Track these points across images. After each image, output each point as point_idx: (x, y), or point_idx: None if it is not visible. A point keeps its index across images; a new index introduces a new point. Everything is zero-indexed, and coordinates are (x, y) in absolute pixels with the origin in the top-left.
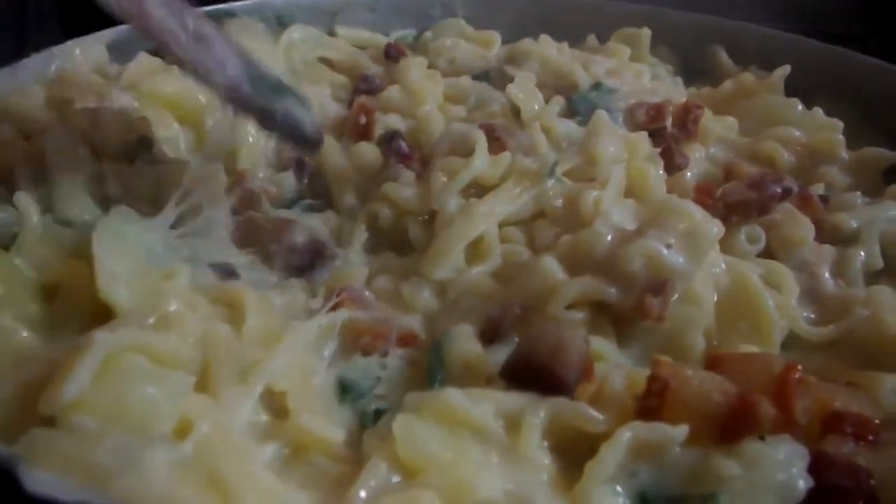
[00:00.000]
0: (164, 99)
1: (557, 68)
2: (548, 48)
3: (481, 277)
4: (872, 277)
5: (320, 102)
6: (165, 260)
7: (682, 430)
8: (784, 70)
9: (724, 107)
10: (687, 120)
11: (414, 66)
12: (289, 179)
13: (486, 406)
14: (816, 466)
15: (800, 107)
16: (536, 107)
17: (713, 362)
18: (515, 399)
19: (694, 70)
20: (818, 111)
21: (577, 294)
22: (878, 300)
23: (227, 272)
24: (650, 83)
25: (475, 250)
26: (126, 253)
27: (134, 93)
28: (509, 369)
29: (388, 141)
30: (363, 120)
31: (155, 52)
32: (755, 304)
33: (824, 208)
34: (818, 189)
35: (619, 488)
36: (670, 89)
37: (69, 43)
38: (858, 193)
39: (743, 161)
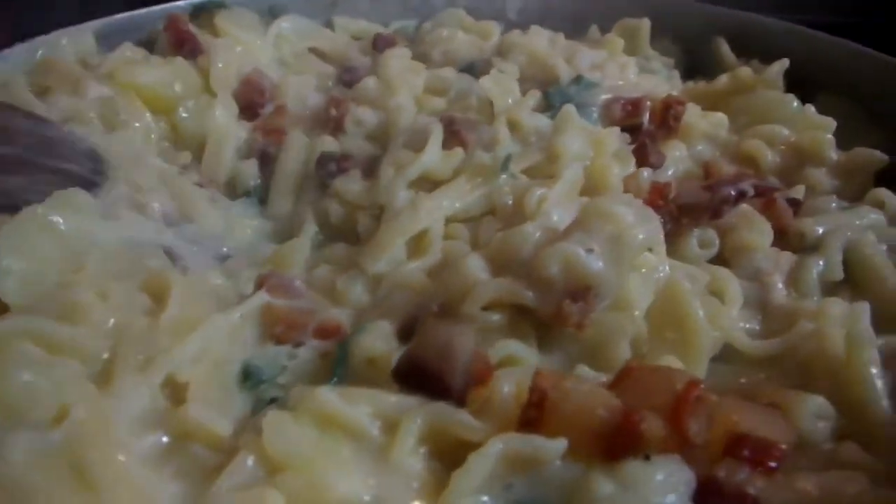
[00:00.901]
0: (139, 89)
1: (542, 61)
2: (536, 40)
3: (415, 273)
4: (832, 289)
5: (301, 93)
6: (104, 241)
7: (558, 444)
8: (782, 64)
9: (719, 102)
10: (668, 116)
11: (394, 58)
12: (252, 168)
13: (362, 407)
14: (702, 492)
15: (795, 103)
16: (510, 101)
17: (621, 374)
18: (396, 402)
19: (698, 63)
20: (810, 108)
21: (491, 296)
22: (826, 314)
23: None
24: (636, 77)
25: (417, 245)
26: (42, 243)
27: (110, 82)
28: (399, 371)
29: (324, 163)
30: (333, 112)
31: (139, 44)
32: (683, 313)
33: (793, 213)
34: (798, 192)
35: (486, 499)
36: (659, 83)
37: (57, 32)
38: (833, 198)
39: (724, 160)
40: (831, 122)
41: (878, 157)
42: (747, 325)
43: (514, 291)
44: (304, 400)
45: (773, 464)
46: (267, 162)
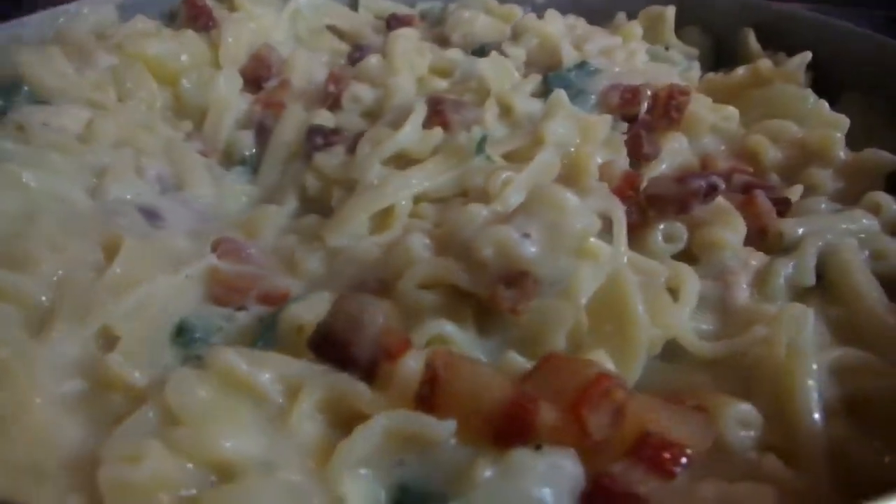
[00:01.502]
0: (146, 59)
1: (549, 45)
2: (550, 24)
3: (370, 248)
4: (803, 295)
5: (308, 70)
6: (75, 200)
7: (447, 425)
8: (803, 58)
9: (736, 95)
10: (669, 107)
11: (401, 38)
12: (248, 138)
13: (266, 371)
14: (592, 489)
15: (811, 99)
16: (509, 84)
17: (540, 363)
18: (300, 368)
19: (727, 55)
20: (824, 105)
21: (425, 274)
22: (782, 320)
23: (153, 215)
24: (644, 65)
25: (382, 222)
26: (9, 198)
27: (118, 53)
28: (312, 340)
29: (312, 137)
30: (332, 88)
31: (161, 16)
32: (623, 306)
33: (779, 212)
34: (795, 191)
35: (366, 472)
36: (670, 73)
37: (80, 2)
38: (824, 199)
39: (725, 154)
40: (844, 121)
41: (888, 159)
42: (703, 326)
43: (449, 271)
44: (212, 359)
45: (675, 467)
46: (263, 133)
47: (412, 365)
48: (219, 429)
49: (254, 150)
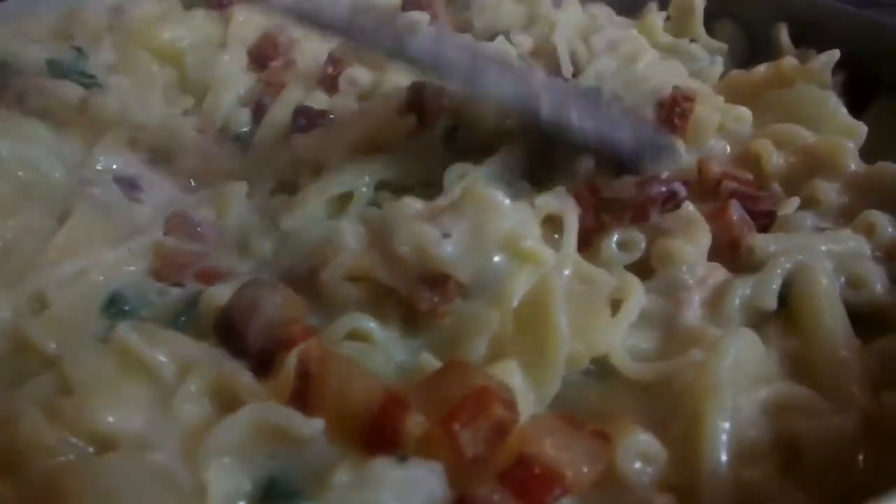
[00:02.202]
0: (152, 43)
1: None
2: (565, 13)
3: (312, 233)
4: (762, 319)
5: (316, 52)
6: (47, 170)
7: (314, 424)
8: (830, 56)
9: (757, 94)
10: (673, 114)
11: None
12: (244, 116)
13: (162, 350)
14: None
15: (832, 101)
16: None
17: (440, 370)
18: (195, 350)
19: (761, 49)
20: (841, 109)
21: (349, 266)
22: (719, 346)
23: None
24: (651, 64)
25: (342, 207)
26: None
27: (125, 34)
28: (216, 325)
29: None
30: (330, 70)
31: None
32: (544, 316)
33: (758, 226)
34: (790, 205)
35: (231, 461)
36: (678, 72)
37: None
38: (811, 214)
39: (725, 159)
40: (860, 129)
41: None
42: (643, 345)
43: (373, 266)
44: (114, 333)
45: (546, 497)
46: (260, 112)
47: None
48: (105, 402)
49: (248, 128)
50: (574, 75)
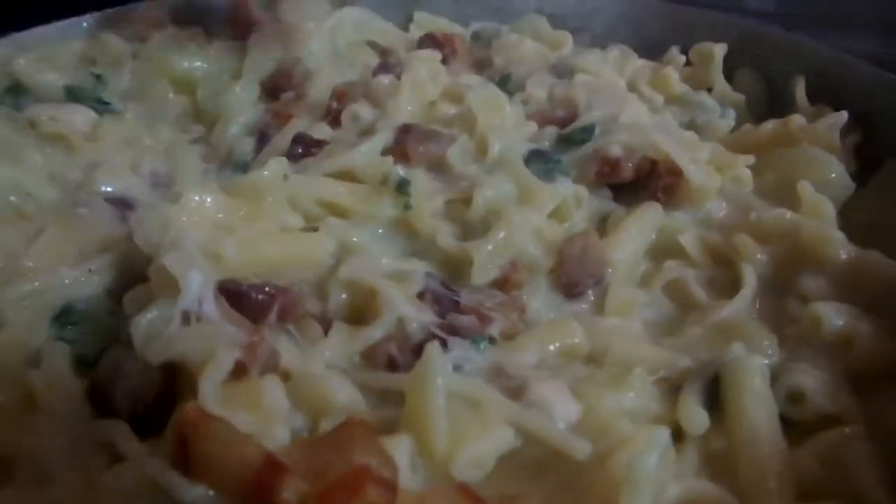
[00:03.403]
0: (169, 72)
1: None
2: (586, 59)
3: None
4: None
5: (330, 84)
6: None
7: (194, 492)
8: (837, 118)
9: (762, 152)
10: (656, 186)
11: (416, 60)
12: (248, 145)
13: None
14: None
15: (835, 168)
16: (498, 120)
17: (334, 430)
18: None
19: (782, 102)
20: (838, 169)
21: None
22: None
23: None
24: (651, 120)
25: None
26: None
27: (145, 63)
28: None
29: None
30: (334, 105)
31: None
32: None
33: None
34: None
35: None
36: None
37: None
38: None
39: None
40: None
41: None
42: None
43: None
44: None
45: None
46: (264, 141)
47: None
48: None
49: (251, 157)
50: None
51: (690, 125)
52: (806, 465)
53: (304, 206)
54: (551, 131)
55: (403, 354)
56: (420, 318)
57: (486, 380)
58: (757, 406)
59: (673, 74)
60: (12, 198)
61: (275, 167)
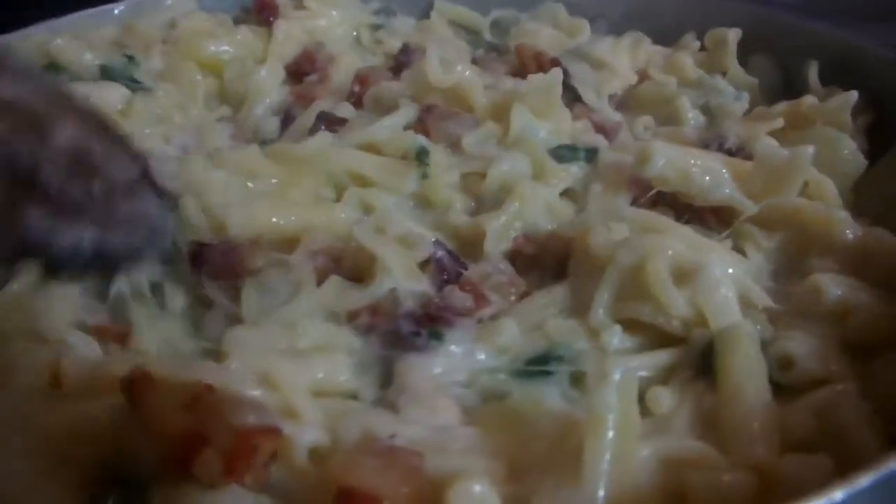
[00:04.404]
0: (197, 54)
1: None
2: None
3: None
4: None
5: (353, 68)
6: None
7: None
8: (847, 98)
9: (776, 134)
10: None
11: (439, 42)
12: (273, 125)
13: None
14: None
15: (847, 146)
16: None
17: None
18: None
19: (796, 86)
20: (848, 145)
21: None
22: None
23: None
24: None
25: None
26: None
27: (173, 46)
28: None
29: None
30: (356, 88)
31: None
32: None
33: None
34: None
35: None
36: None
37: None
38: None
39: None
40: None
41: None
42: None
43: None
44: None
45: None
46: (288, 121)
47: None
48: None
49: (276, 136)
50: None
51: (705, 108)
52: (797, 419)
53: (337, 177)
54: None
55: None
56: (414, 289)
57: None
58: (743, 365)
59: (687, 59)
60: None
61: (319, 138)
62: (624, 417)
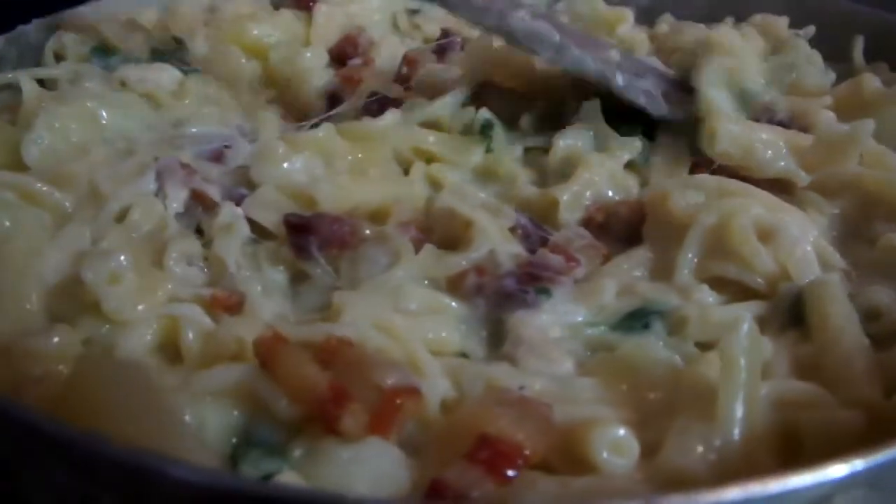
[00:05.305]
0: (241, 39)
1: None
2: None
3: None
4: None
5: (395, 53)
6: (137, 139)
7: (278, 401)
8: None
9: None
10: None
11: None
12: (320, 105)
13: None
14: (429, 493)
15: None
16: None
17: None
18: None
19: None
20: None
21: None
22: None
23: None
24: None
25: None
26: (79, 128)
27: (217, 30)
28: None
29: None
30: (404, 70)
31: None
32: None
33: None
34: None
35: (214, 409)
36: None
37: None
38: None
39: None
40: None
41: None
42: None
43: None
44: None
45: (509, 471)
46: (335, 103)
47: None
48: None
49: (323, 112)
50: None
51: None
52: (894, 362)
53: (402, 154)
54: None
55: (491, 284)
56: (511, 250)
57: None
58: (841, 312)
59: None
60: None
61: (391, 116)
62: (752, 360)
